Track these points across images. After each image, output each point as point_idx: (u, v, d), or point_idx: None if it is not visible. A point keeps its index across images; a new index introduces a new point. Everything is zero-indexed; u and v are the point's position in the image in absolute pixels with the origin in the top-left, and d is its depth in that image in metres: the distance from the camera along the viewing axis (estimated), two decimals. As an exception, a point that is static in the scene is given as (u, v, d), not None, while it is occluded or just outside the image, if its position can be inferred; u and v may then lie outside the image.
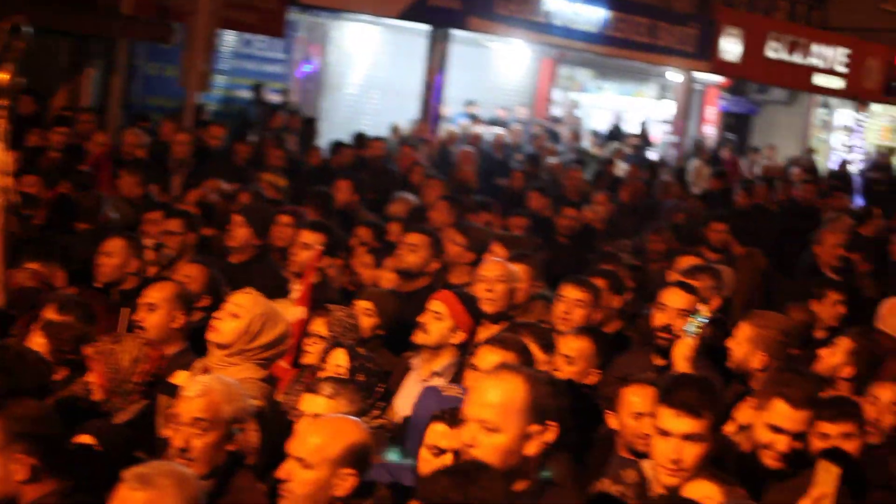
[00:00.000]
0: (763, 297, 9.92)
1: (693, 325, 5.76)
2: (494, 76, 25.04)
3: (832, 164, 27.87)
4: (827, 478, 4.23)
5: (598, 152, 22.42)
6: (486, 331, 6.54)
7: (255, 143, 15.26)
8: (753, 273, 11.36)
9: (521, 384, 4.02)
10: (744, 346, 6.37)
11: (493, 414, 3.97)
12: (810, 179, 18.52)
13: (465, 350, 6.18)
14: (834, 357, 6.82)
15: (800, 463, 4.78)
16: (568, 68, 26.85)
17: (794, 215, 15.67)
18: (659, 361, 6.53)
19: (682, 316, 6.40)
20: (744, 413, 5.48)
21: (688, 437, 4.32)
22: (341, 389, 5.09)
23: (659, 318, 6.64)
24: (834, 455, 5.05)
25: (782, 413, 4.72)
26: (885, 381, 6.49)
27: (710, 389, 4.41)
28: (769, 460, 4.71)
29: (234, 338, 5.71)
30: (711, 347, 6.61)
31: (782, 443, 4.71)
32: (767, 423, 4.71)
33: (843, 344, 6.84)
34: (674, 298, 6.65)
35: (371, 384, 5.61)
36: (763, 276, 11.53)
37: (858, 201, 22.49)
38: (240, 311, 5.77)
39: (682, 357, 5.81)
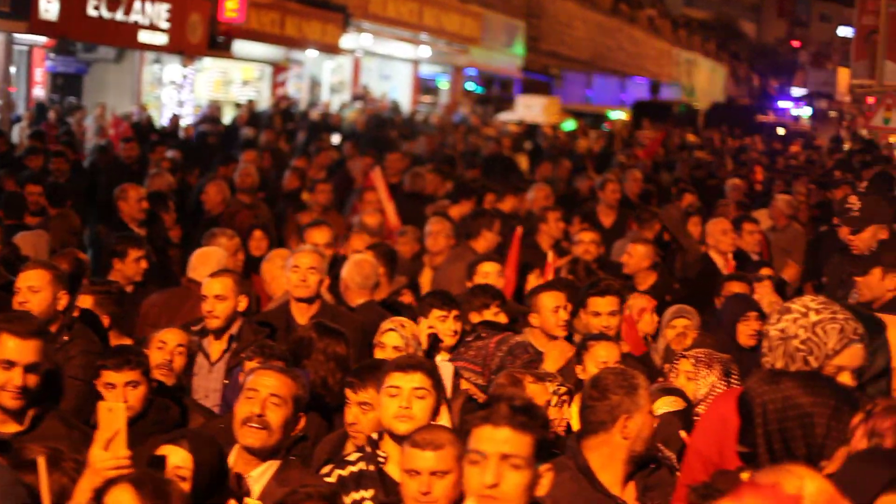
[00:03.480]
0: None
1: None
2: None
3: (164, 119, 28.26)
4: (112, 416, 4.24)
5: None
6: None
7: None
8: (65, 233, 11.45)
9: None
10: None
11: None
12: (132, 137, 18.62)
13: None
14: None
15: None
16: None
17: (118, 172, 15.73)
18: None
19: None
20: None
21: None
22: None
23: None
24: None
25: (9, 346, 4.91)
26: (170, 329, 6.94)
27: None
28: (6, 399, 4.89)
29: None
30: None
31: (17, 376, 4.90)
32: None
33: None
34: None
35: None
36: (75, 235, 11.66)
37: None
38: None
39: None
